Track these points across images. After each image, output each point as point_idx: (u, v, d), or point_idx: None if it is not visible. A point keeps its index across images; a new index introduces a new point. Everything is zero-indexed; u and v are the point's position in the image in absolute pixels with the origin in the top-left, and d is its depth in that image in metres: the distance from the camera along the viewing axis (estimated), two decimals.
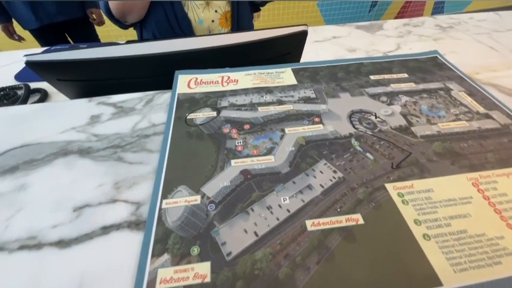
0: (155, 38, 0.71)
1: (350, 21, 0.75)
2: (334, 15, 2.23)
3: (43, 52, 0.63)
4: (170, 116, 0.28)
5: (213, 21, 0.69)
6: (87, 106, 0.31)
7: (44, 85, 0.54)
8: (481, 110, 0.28)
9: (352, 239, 0.19)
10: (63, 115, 0.30)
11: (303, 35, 0.41)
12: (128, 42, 0.68)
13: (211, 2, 0.68)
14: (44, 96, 0.54)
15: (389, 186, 0.22)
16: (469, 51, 0.56)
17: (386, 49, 0.58)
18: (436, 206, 0.20)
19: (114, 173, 0.24)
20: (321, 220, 0.20)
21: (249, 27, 0.81)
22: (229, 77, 0.34)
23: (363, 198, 0.21)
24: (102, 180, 0.23)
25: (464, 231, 0.19)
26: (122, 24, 0.66)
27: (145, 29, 0.71)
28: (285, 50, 0.42)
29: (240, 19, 0.74)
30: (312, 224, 0.20)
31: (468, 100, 0.30)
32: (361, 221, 0.20)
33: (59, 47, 0.77)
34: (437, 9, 2.47)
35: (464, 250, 0.18)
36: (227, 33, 0.43)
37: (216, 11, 0.69)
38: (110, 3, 0.60)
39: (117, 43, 0.68)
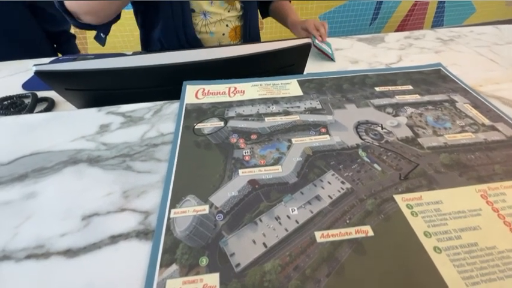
0: (161, 46, 0.72)
1: (352, 34, 0.76)
2: (336, 28, 2.27)
3: (51, 62, 0.65)
4: (178, 126, 0.29)
5: (223, 34, 0.71)
6: (96, 115, 0.32)
7: (51, 94, 0.55)
8: (487, 122, 0.29)
9: (362, 252, 0.19)
10: (73, 124, 0.30)
11: (307, 47, 0.42)
12: (135, 53, 0.69)
13: (224, 16, 0.70)
14: (51, 105, 0.54)
15: (397, 198, 0.22)
16: (471, 63, 0.57)
17: (389, 61, 0.59)
18: (445, 218, 0.20)
19: (123, 181, 0.24)
20: (330, 232, 0.20)
21: (257, 39, 0.84)
22: (236, 88, 0.34)
23: (371, 210, 0.21)
24: (111, 188, 0.23)
25: (475, 244, 0.19)
26: (75, 21, 0.58)
27: (152, 42, 0.72)
28: (290, 61, 0.43)
29: (250, 32, 0.76)
30: (321, 236, 0.20)
31: (473, 112, 0.30)
32: (370, 233, 0.20)
33: (67, 57, 0.79)
34: (437, 23, 2.51)
35: (475, 263, 0.18)
36: (234, 45, 0.44)
37: (227, 25, 0.71)
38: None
39: (124, 54, 0.69)
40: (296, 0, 1.89)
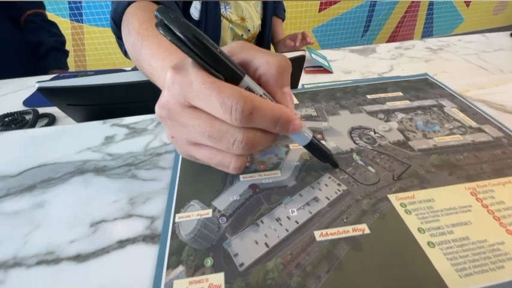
0: None
1: (344, 46, 0.79)
2: (329, 40, 2.33)
3: (52, 79, 0.66)
4: None
5: (242, 35, 0.75)
6: (101, 127, 0.33)
7: (51, 110, 0.56)
8: (474, 124, 0.30)
9: (359, 248, 0.20)
10: (78, 136, 0.32)
11: (301, 59, 0.44)
12: (133, 69, 0.71)
13: (246, 20, 0.73)
14: (52, 121, 0.56)
15: (392, 197, 0.23)
16: (459, 70, 0.60)
17: (380, 70, 0.61)
18: (438, 215, 0.21)
19: (129, 189, 0.25)
20: (329, 231, 0.21)
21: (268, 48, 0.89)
22: None
23: (367, 209, 0.22)
24: (117, 196, 0.24)
25: (466, 238, 0.20)
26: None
27: None
28: None
29: (264, 40, 0.81)
30: (320, 235, 0.20)
31: (461, 116, 0.31)
32: (367, 231, 0.20)
33: (68, 74, 0.81)
34: (427, 33, 2.59)
35: (468, 256, 0.19)
36: None
37: (249, 30, 0.75)
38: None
39: (123, 70, 0.71)
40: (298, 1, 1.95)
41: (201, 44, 0.17)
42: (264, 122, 0.18)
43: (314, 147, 0.24)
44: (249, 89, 0.19)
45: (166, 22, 0.16)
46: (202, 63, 0.17)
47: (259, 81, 0.20)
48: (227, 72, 0.18)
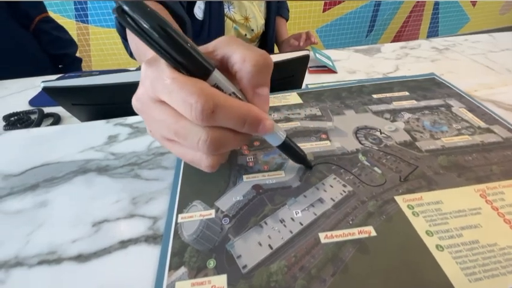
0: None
1: (348, 46, 0.79)
2: (333, 41, 2.32)
3: (58, 79, 0.67)
4: None
5: (245, 35, 0.75)
6: (105, 127, 0.33)
7: (56, 110, 0.57)
8: (482, 124, 0.29)
9: (365, 251, 0.19)
10: (81, 136, 0.31)
11: (305, 59, 0.43)
12: (138, 69, 0.72)
13: (249, 19, 0.73)
14: (56, 120, 0.56)
15: (398, 199, 0.22)
16: (466, 70, 0.59)
17: (386, 70, 0.60)
18: (446, 217, 0.21)
19: (132, 189, 0.24)
20: (334, 233, 0.20)
21: (271, 50, 0.88)
22: None
23: (373, 211, 0.21)
24: (120, 196, 0.24)
25: (476, 241, 0.19)
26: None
27: None
28: (289, 73, 0.45)
29: (268, 40, 0.81)
30: (325, 237, 0.20)
31: (469, 116, 0.31)
32: (373, 233, 0.20)
33: (73, 74, 0.81)
34: (432, 33, 2.57)
35: (477, 260, 0.18)
36: None
37: (252, 30, 0.75)
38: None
39: (127, 70, 0.71)
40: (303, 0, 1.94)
41: (166, 35, 0.16)
42: (229, 121, 0.18)
43: (288, 149, 0.23)
44: (217, 86, 0.18)
45: (125, 9, 0.15)
46: (167, 56, 0.16)
47: (235, 78, 0.19)
48: (194, 66, 0.17)
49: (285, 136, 0.22)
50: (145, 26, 0.15)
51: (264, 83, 0.19)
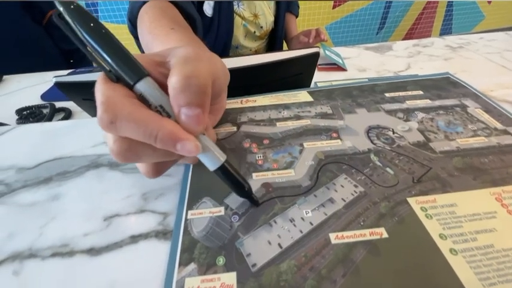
0: None
1: (358, 43, 0.77)
2: (343, 38, 2.29)
3: (69, 74, 0.68)
4: None
5: (254, 32, 0.75)
6: None
7: (68, 104, 0.57)
8: (499, 126, 0.29)
9: (377, 253, 0.19)
10: (93, 131, 0.32)
11: (315, 57, 0.43)
12: None
13: (259, 17, 0.73)
14: (68, 115, 0.57)
15: (411, 201, 0.22)
16: (481, 69, 0.57)
17: (397, 69, 0.59)
18: (461, 221, 0.20)
19: (142, 184, 0.25)
20: (345, 233, 0.20)
21: (280, 47, 0.88)
22: (247, 100, 0.35)
23: (385, 212, 0.21)
24: (131, 191, 0.24)
25: (491, 245, 0.19)
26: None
27: None
28: (299, 70, 0.44)
29: (277, 37, 0.81)
30: (335, 237, 0.20)
31: (485, 117, 0.30)
32: (385, 235, 0.20)
33: (84, 69, 0.82)
34: (446, 30, 2.51)
35: (492, 265, 0.18)
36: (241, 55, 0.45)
37: (261, 27, 0.74)
38: None
39: None
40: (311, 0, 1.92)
41: (94, 37, 0.16)
42: (134, 134, 0.17)
43: (227, 176, 0.20)
44: (142, 97, 0.18)
45: (61, 10, 0.16)
46: (99, 60, 0.17)
47: None
48: (117, 73, 0.17)
49: (223, 161, 0.20)
50: (74, 25, 0.16)
51: (193, 103, 0.18)
